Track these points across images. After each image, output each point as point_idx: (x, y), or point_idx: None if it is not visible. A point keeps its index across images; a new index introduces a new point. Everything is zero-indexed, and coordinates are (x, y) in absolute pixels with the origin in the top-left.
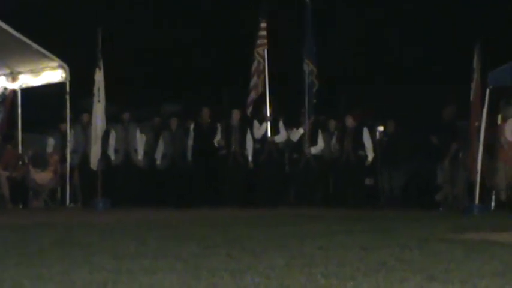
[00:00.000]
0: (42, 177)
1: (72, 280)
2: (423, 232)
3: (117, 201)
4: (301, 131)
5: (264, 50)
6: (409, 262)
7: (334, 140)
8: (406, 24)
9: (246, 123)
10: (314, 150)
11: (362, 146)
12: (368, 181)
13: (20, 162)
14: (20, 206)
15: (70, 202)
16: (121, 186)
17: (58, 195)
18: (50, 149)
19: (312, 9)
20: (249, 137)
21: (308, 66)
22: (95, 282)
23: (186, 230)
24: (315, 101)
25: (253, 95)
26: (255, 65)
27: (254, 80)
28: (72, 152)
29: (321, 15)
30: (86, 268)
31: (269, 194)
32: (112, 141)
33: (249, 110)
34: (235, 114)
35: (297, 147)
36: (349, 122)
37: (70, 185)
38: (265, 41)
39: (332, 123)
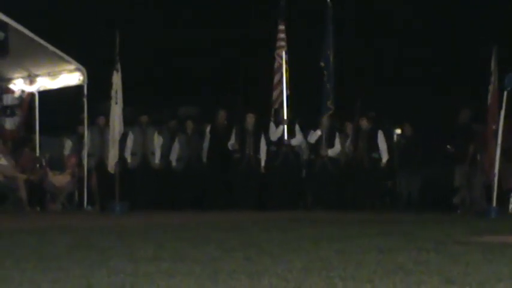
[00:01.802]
0: (59, 180)
1: (89, 283)
2: (440, 235)
3: (135, 204)
4: (318, 132)
5: (283, 52)
6: (427, 265)
7: (349, 142)
8: (422, 28)
9: (261, 127)
10: (331, 152)
11: (376, 148)
12: (388, 183)
13: (38, 165)
14: (38, 209)
15: (87, 205)
16: (138, 189)
17: (76, 198)
18: (67, 152)
19: (332, 10)
20: (263, 141)
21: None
22: (113, 285)
23: (204, 233)
24: (329, 102)
25: (276, 93)
26: (276, 65)
27: (277, 77)
28: (89, 155)
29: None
30: (104, 271)
31: (285, 197)
32: (130, 143)
33: (274, 107)
34: (250, 118)
35: (314, 148)
36: (364, 124)
37: (88, 188)
38: (284, 43)
39: (348, 126)
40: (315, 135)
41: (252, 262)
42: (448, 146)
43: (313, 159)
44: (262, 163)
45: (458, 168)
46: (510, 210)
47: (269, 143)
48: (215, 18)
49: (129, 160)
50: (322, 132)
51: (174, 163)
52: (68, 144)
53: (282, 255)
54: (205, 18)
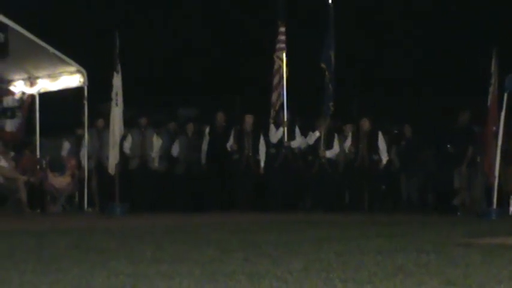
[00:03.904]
0: (60, 181)
1: (89, 285)
2: (440, 236)
3: (135, 206)
4: (317, 134)
5: (283, 54)
6: (426, 266)
7: (349, 143)
8: (421, 28)
9: (259, 128)
10: (329, 153)
11: (377, 149)
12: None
13: (38, 167)
14: (38, 211)
15: (87, 207)
16: (138, 191)
17: (76, 200)
18: (67, 154)
19: (334, 11)
20: (261, 142)
21: (325, 71)
22: (113, 286)
23: (203, 234)
24: (331, 103)
25: (275, 94)
26: (276, 66)
27: (276, 79)
28: (89, 157)
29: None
30: (104, 273)
31: (284, 198)
32: (129, 145)
33: (274, 109)
34: (248, 119)
35: (312, 150)
36: (365, 125)
37: (88, 190)
38: (284, 45)
39: (348, 128)
40: (313, 137)
41: (252, 263)
42: (448, 146)
43: (312, 160)
44: (262, 164)
45: (457, 170)
46: (510, 212)
47: (269, 145)
48: (214, 19)
49: (128, 162)
50: (320, 133)
51: (173, 165)
52: (68, 146)
53: (282, 256)
54: (205, 18)
